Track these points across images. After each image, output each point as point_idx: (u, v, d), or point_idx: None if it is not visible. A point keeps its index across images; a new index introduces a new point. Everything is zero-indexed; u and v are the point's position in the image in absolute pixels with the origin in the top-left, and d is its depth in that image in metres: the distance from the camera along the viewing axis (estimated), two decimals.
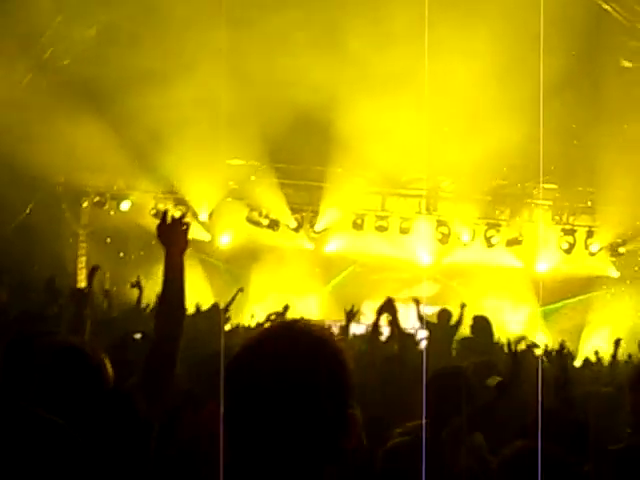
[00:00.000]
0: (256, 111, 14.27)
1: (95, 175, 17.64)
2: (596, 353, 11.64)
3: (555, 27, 10.64)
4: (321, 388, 1.83)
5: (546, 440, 3.45)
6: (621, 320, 16.56)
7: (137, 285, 9.26)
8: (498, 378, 4.18)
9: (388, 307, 6.59)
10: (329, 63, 13.87)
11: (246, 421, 1.82)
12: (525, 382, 5.25)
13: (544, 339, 14.30)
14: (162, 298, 3.78)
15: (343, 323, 9.98)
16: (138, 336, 6.79)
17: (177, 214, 4.13)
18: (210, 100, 13.48)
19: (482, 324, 8.91)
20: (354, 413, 1.89)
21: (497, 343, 9.01)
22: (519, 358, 4.33)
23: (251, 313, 15.04)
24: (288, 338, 1.89)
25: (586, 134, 15.53)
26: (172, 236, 3.77)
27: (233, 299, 10.93)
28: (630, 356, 10.79)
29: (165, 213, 3.91)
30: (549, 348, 8.96)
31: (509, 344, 4.46)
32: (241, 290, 11.63)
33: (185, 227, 3.82)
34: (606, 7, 14.49)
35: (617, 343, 9.74)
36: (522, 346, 8.27)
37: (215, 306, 10.43)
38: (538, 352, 8.25)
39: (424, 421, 4.04)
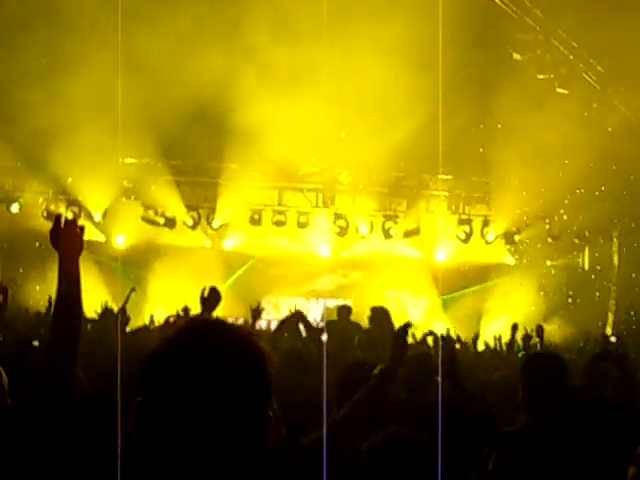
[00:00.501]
0: (149, 108, 14.03)
1: None
2: (496, 339, 11.87)
3: (452, 20, 10.76)
4: (241, 385, 1.79)
5: (435, 426, 3.51)
6: (518, 307, 16.96)
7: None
8: (381, 366, 4.20)
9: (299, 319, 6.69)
10: (223, 59, 13.76)
11: (164, 419, 1.76)
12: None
13: (442, 328, 14.48)
14: (58, 303, 3.63)
15: (244, 320, 9.91)
16: (36, 343, 6.52)
17: (70, 216, 3.96)
18: (102, 98, 13.20)
19: (380, 315, 8.91)
20: (274, 410, 1.85)
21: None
22: (402, 343, 4.36)
23: (150, 314, 14.77)
24: (207, 335, 1.83)
25: (479, 125, 15.84)
26: (66, 240, 3.60)
27: (127, 300, 10.66)
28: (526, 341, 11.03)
29: (58, 216, 3.70)
30: (445, 336, 9.05)
31: (395, 330, 4.48)
32: (133, 290, 11.32)
33: (80, 230, 3.66)
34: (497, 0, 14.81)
35: (514, 328, 9.93)
36: (418, 335, 8.38)
37: (110, 309, 10.17)
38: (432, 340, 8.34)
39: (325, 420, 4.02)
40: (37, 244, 16.04)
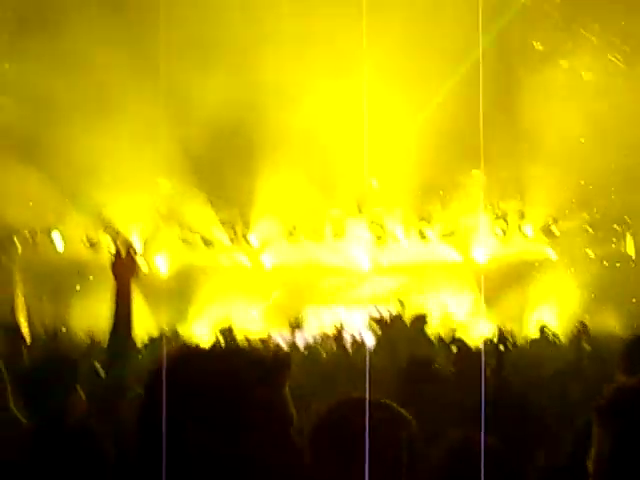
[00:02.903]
0: (180, 128, 14.21)
1: (24, 210, 17.32)
2: (542, 330, 11.86)
3: (475, 15, 10.75)
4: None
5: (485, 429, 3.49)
6: (562, 301, 16.80)
7: None
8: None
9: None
10: (250, 78, 13.89)
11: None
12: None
13: (487, 328, 14.42)
14: (113, 330, 3.79)
15: (287, 334, 10.02)
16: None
17: (125, 246, 4.22)
18: (135, 119, 13.40)
19: (419, 323, 8.97)
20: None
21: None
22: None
23: (197, 333, 14.95)
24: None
25: (505, 118, 15.74)
26: (124, 269, 3.85)
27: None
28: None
29: (118, 247, 4.04)
30: (491, 337, 9.05)
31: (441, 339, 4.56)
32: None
33: (137, 261, 3.93)
34: None
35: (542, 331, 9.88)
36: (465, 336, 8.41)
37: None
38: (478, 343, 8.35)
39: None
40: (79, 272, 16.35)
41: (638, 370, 2.66)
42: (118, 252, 3.97)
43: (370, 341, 9.23)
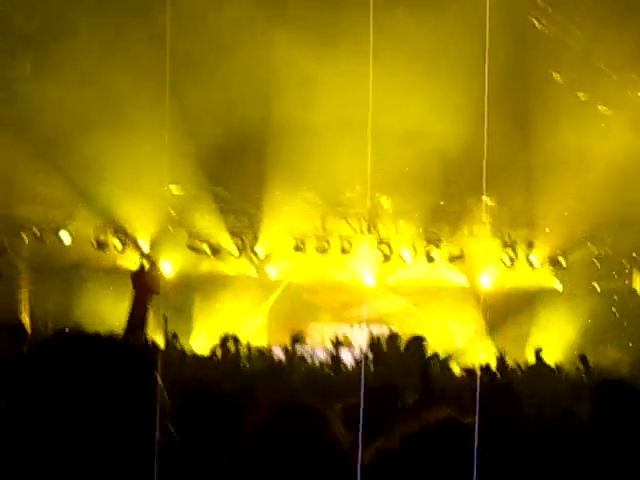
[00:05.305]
0: (193, 137, 14.27)
1: (33, 207, 17.42)
2: (539, 360, 11.85)
3: (492, 44, 10.78)
4: None
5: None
6: (565, 332, 16.77)
7: None
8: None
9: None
10: (265, 87, 13.93)
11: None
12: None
13: (489, 354, 14.38)
14: (125, 338, 3.86)
15: (288, 346, 10.04)
16: None
17: (150, 262, 4.42)
18: (147, 129, 13.46)
19: (415, 345, 8.97)
20: None
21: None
22: (429, 376, 4.42)
23: (197, 341, 14.96)
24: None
25: (520, 148, 15.76)
26: (145, 282, 3.91)
27: (166, 329, 10.83)
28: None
29: (142, 262, 4.36)
30: (492, 364, 9.07)
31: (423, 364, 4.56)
32: (166, 318, 11.42)
33: (157, 277, 4.04)
34: (533, 20, 14.76)
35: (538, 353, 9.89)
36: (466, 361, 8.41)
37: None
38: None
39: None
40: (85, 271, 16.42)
41: None
42: (142, 266, 4.12)
43: (367, 358, 9.26)
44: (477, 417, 4.37)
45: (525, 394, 7.70)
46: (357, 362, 9.45)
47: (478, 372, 9.61)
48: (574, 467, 3.99)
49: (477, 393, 4.91)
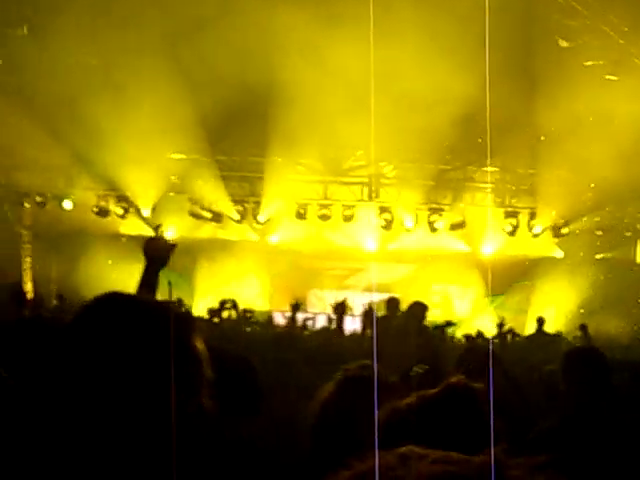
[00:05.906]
0: (195, 104, 14.20)
1: (34, 175, 17.40)
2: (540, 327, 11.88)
3: (497, 9, 10.67)
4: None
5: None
6: (565, 301, 16.80)
7: None
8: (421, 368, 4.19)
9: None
10: (266, 55, 13.84)
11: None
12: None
13: (490, 322, 14.42)
14: None
15: (288, 313, 10.06)
16: None
17: (160, 231, 4.36)
18: (151, 95, 13.41)
19: (416, 310, 8.98)
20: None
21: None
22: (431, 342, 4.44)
23: (199, 306, 14.99)
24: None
25: (525, 116, 15.66)
26: (156, 252, 3.86)
27: (170, 295, 10.82)
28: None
29: (157, 229, 4.23)
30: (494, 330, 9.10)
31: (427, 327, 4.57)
32: (170, 284, 11.43)
33: (170, 247, 3.98)
34: None
35: (540, 322, 9.93)
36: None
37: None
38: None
39: None
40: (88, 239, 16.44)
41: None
42: (155, 236, 4.10)
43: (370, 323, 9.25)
44: (491, 380, 4.38)
45: (521, 360, 7.76)
46: (361, 327, 9.43)
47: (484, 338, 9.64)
48: (551, 432, 4.05)
49: (490, 357, 4.92)
